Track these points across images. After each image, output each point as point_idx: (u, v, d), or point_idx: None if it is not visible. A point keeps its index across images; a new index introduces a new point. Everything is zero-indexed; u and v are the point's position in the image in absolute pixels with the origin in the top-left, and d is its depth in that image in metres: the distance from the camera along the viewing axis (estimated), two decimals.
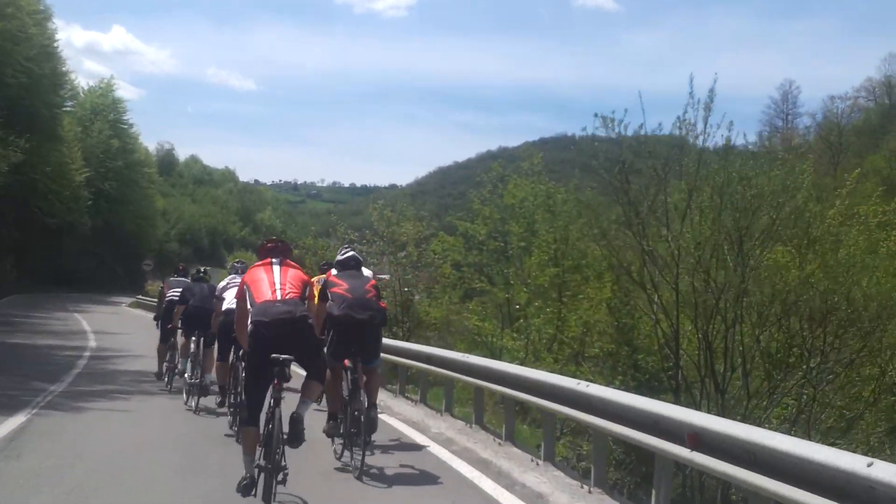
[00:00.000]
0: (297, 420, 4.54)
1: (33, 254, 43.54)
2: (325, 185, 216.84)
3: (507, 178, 21.65)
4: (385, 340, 8.27)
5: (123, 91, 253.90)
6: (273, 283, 4.76)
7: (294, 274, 4.91)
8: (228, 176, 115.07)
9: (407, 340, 14.46)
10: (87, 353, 13.88)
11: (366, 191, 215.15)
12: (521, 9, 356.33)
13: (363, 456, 5.62)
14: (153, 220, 66.22)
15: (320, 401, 7.20)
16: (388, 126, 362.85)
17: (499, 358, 14.29)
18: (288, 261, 5.01)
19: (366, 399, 5.78)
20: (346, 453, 5.90)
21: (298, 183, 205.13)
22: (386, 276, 17.19)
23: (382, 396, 9.22)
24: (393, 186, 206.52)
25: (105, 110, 57.77)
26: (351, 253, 6.31)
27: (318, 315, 5.70)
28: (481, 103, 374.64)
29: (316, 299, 5.82)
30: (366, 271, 6.45)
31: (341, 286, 5.92)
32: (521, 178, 21.12)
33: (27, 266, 42.76)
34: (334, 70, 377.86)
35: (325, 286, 6.06)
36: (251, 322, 4.59)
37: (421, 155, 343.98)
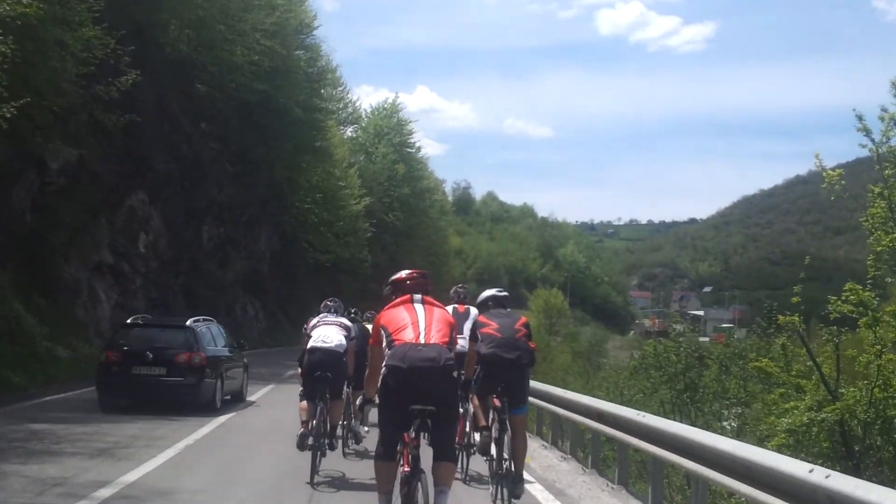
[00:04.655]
0: None
1: (300, 297, 35.21)
2: (622, 223, 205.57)
3: None
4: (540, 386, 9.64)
5: (429, 147, 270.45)
6: (417, 323, 4.29)
7: (441, 315, 4.42)
8: (527, 212, 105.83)
9: None
10: None
11: (664, 227, 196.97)
12: (823, 29, 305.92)
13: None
14: (446, 258, 57.16)
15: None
16: (683, 161, 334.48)
17: None
18: (430, 298, 4.51)
19: (511, 460, 5.78)
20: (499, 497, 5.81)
21: (595, 223, 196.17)
22: None
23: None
24: (693, 221, 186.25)
25: (390, 132, 50.04)
26: (500, 292, 6.47)
27: (469, 361, 5.76)
28: (782, 129, 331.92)
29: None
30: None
31: (490, 326, 5.98)
32: None
33: (289, 312, 34.32)
34: (627, 110, 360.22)
35: (475, 326, 6.06)
36: (385, 366, 4.18)
37: (720, 187, 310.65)
